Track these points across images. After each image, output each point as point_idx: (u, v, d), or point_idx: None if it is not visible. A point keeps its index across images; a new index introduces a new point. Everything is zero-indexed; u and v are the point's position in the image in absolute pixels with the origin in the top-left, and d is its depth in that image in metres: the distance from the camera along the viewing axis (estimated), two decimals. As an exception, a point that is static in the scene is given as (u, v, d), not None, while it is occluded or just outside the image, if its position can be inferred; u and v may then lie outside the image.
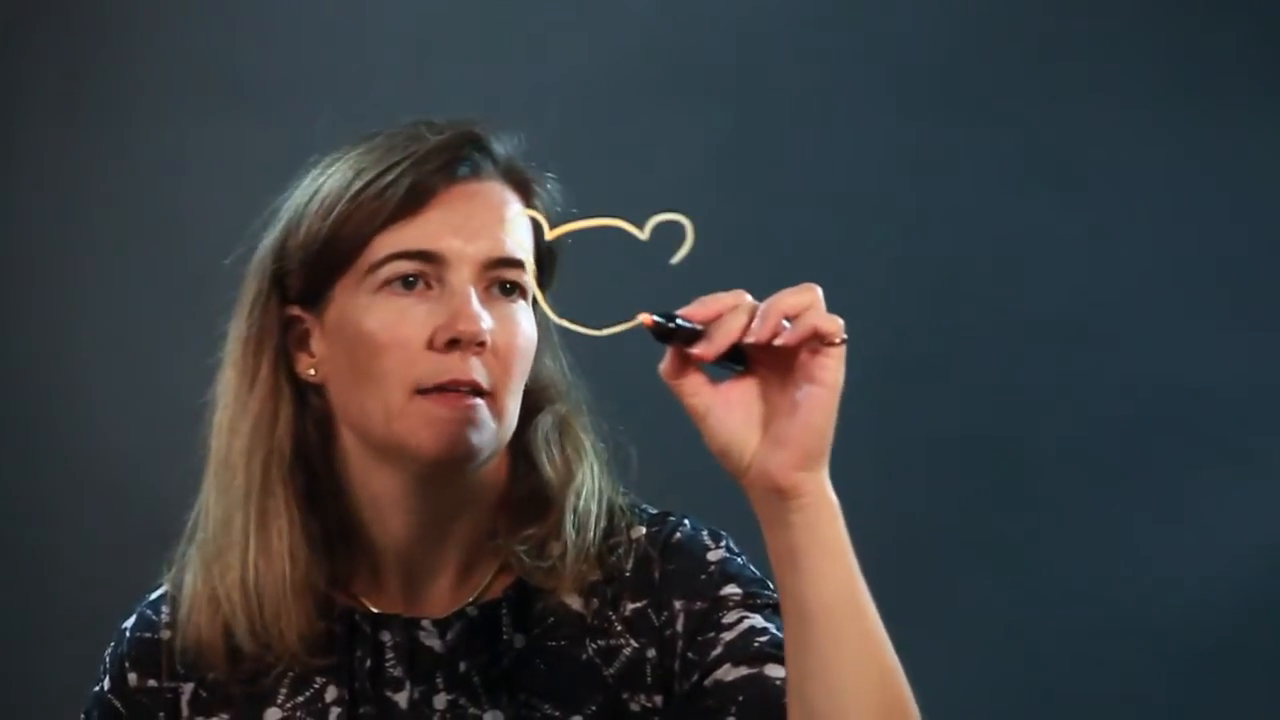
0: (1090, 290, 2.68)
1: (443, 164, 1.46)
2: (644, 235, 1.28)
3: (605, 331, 1.29)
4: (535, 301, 1.48)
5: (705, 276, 1.31)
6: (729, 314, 1.27)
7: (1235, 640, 2.63)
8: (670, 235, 1.27)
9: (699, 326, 1.27)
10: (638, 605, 1.48)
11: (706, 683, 1.43)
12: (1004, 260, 2.70)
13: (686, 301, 1.28)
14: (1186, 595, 2.64)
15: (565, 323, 1.29)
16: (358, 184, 1.45)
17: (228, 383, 1.50)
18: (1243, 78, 2.66)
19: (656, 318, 1.26)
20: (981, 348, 2.69)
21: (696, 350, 1.27)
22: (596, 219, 1.28)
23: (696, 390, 1.29)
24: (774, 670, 1.40)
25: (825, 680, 1.29)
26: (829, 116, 2.73)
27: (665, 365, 1.29)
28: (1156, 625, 2.64)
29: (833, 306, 1.28)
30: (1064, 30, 2.70)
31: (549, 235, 1.29)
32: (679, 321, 1.27)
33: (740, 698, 1.41)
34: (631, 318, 1.28)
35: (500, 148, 1.50)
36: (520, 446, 1.50)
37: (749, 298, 1.28)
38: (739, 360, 1.29)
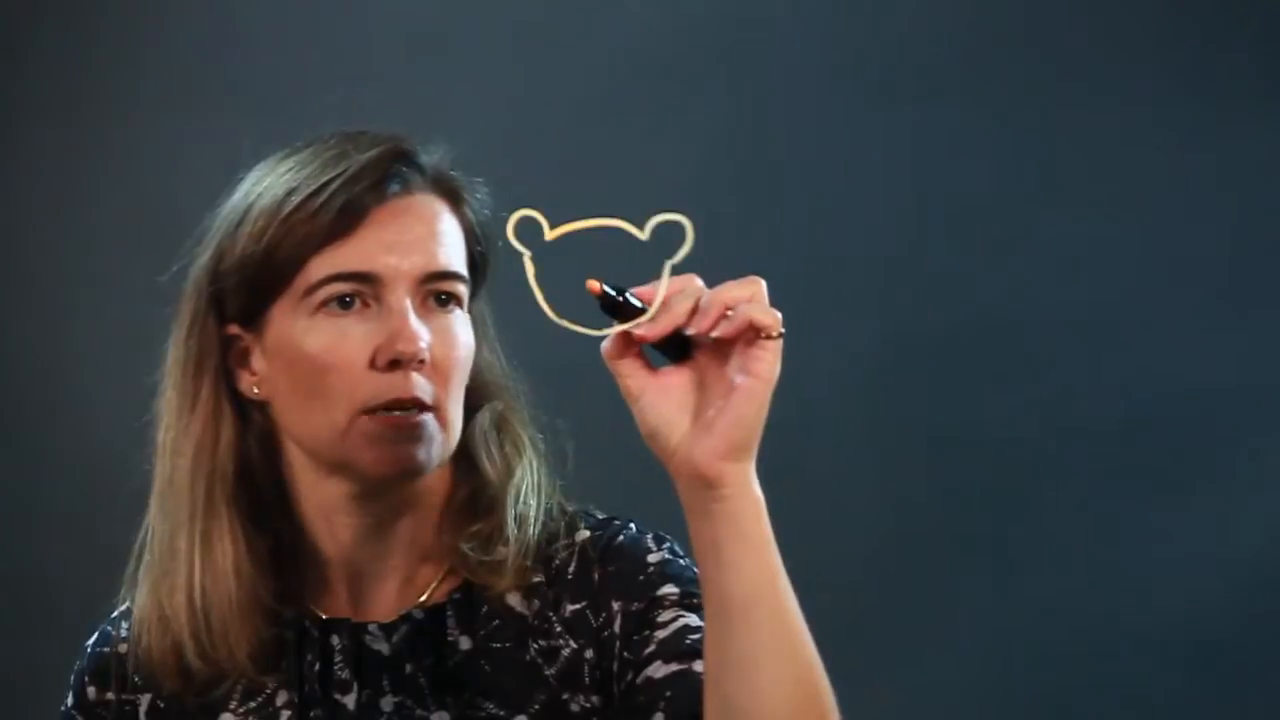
0: (1090, 290, 2.68)
1: (373, 182, 1.47)
2: (644, 235, 1.28)
3: (605, 331, 1.30)
4: (472, 309, 1.51)
5: (705, 276, 1.31)
6: (675, 298, 1.28)
7: (1236, 640, 2.63)
8: (670, 235, 1.27)
9: (645, 306, 1.28)
10: (577, 607, 1.50)
11: (638, 680, 1.44)
12: (1004, 259, 2.70)
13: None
14: (1187, 595, 2.64)
15: (566, 323, 1.29)
16: (289, 205, 1.46)
17: (169, 404, 1.52)
18: (1245, 78, 2.66)
19: (606, 287, 1.27)
20: (982, 347, 2.69)
21: (640, 330, 1.28)
22: (596, 219, 1.28)
23: (633, 372, 1.30)
24: (701, 666, 1.40)
25: (741, 672, 1.30)
26: (830, 117, 2.73)
27: (607, 344, 1.30)
28: (1157, 625, 2.64)
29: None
30: (1066, 29, 2.70)
31: (548, 235, 1.29)
32: (628, 296, 1.28)
33: (668, 693, 1.42)
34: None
35: (428, 158, 1.50)
36: (461, 446, 1.51)
37: (700, 283, 1.29)
38: (684, 352, 1.30)
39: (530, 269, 1.33)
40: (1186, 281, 2.67)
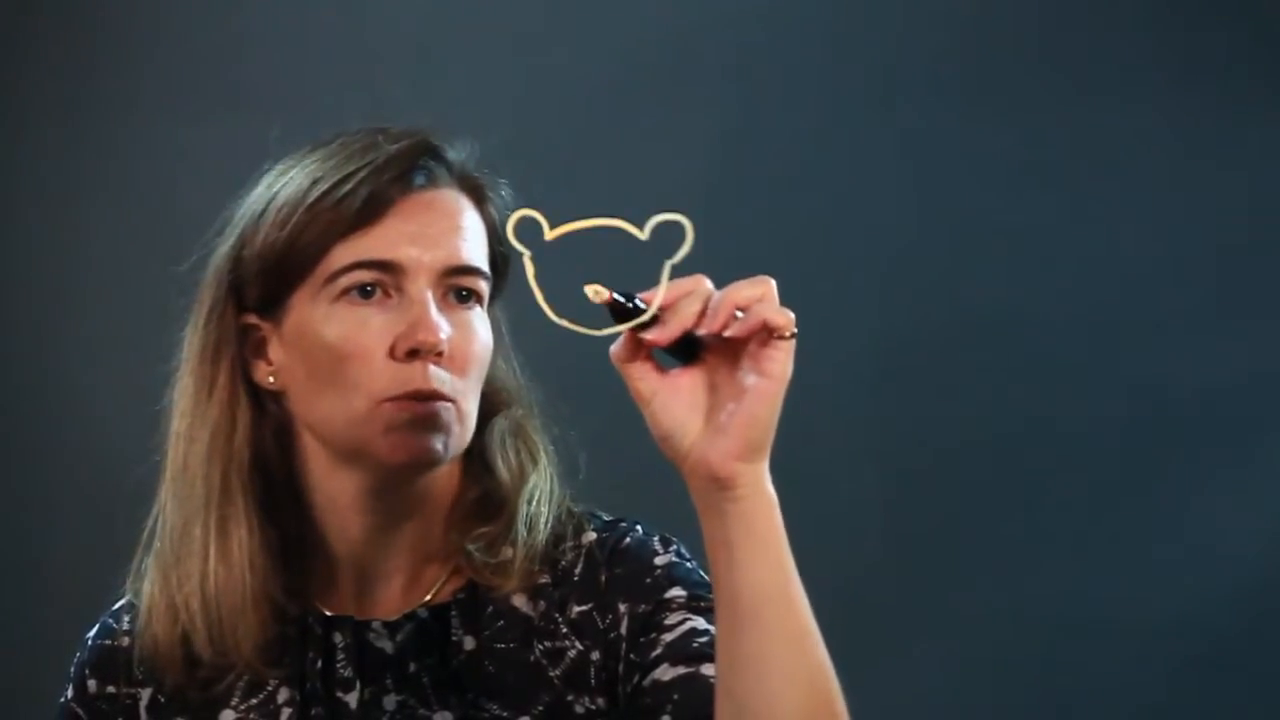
0: (1091, 290, 2.68)
1: (399, 174, 1.47)
2: (644, 235, 1.28)
3: (605, 331, 1.30)
4: (489, 314, 1.51)
5: (706, 276, 1.30)
6: (684, 300, 1.28)
7: (1236, 640, 2.63)
8: (670, 235, 1.27)
9: (654, 310, 1.28)
10: (583, 608, 1.50)
11: (645, 683, 1.44)
12: (1004, 260, 2.70)
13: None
14: (1187, 595, 2.64)
15: (565, 323, 1.29)
16: (314, 194, 1.46)
17: (185, 390, 1.52)
18: (1244, 76, 2.66)
19: (616, 295, 1.27)
20: (982, 347, 2.69)
21: (649, 335, 1.28)
22: (596, 219, 1.28)
23: (643, 375, 1.30)
24: (710, 669, 1.41)
25: (753, 673, 1.30)
26: (830, 116, 2.73)
27: (616, 348, 1.30)
28: (1157, 625, 2.64)
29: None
30: (1066, 27, 2.70)
31: (548, 235, 1.29)
32: (636, 302, 1.28)
33: (675, 696, 1.42)
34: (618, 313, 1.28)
35: (454, 155, 1.51)
36: (475, 450, 1.52)
37: (708, 284, 1.29)
38: (693, 353, 1.30)
39: (530, 269, 1.33)
40: (1187, 281, 2.67)
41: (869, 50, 2.73)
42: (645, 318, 1.28)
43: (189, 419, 1.51)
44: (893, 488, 2.70)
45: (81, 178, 2.89)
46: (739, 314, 1.27)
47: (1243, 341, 2.66)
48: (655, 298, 1.28)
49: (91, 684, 1.56)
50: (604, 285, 1.28)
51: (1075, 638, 2.66)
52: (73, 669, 1.58)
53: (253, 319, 1.50)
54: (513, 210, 1.50)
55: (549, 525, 1.52)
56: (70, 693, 1.57)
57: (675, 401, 1.30)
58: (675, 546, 1.52)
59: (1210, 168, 2.67)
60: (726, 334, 1.27)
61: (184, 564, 1.50)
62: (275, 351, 1.50)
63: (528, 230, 1.29)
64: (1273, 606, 2.63)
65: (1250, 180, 2.67)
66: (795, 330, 1.27)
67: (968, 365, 2.70)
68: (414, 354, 1.44)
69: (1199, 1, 2.68)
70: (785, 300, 1.29)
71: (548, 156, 2.65)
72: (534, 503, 1.52)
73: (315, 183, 1.47)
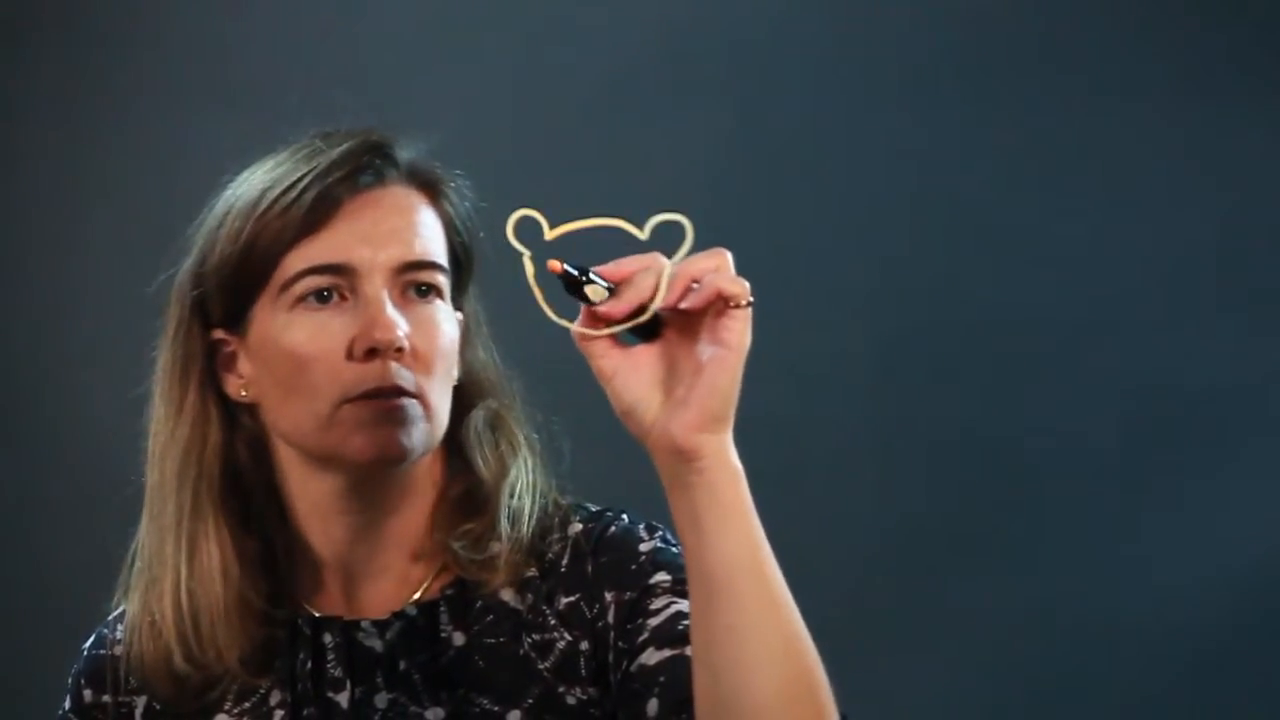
0: (1090, 290, 2.68)
1: (345, 175, 1.47)
2: (644, 235, 1.28)
3: (605, 331, 1.30)
4: (464, 307, 1.53)
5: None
6: (639, 274, 1.28)
7: (1235, 641, 2.63)
8: (670, 235, 1.28)
9: (609, 285, 1.28)
10: (571, 599, 1.50)
11: (632, 668, 1.44)
12: (1004, 260, 2.70)
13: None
14: (1186, 596, 2.64)
15: (565, 323, 1.30)
16: (264, 203, 1.47)
17: (156, 412, 1.53)
18: (1243, 76, 2.66)
19: (567, 266, 1.28)
20: (982, 347, 2.69)
21: (604, 307, 1.28)
22: (596, 219, 1.28)
23: (605, 353, 1.30)
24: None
25: (729, 645, 1.30)
26: (829, 116, 2.73)
27: (577, 325, 1.30)
28: (1156, 626, 2.64)
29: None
30: (1065, 28, 2.70)
31: (548, 235, 1.29)
32: (591, 275, 1.28)
33: (661, 679, 1.42)
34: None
35: (403, 152, 1.51)
36: (454, 444, 1.52)
37: (664, 260, 1.29)
38: (654, 331, 1.30)
39: (530, 269, 1.33)
40: (1185, 281, 2.67)
41: (869, 50, 2.73)
42: (645, 320, 1.28)
43: (161, 439, 1.52)
44: (891, 487, 2.70)
45: (80, 177, 2.89)
46: (695, 286, 1.27)
47: (1242, 341, 2.66)
48: (619, 275, 1.28)
49: (87, 693, 1.56)
50: (567, 262, 1.28)
51: (1074, 637, 2.66)
52: (70, 680, 1.58)
53: (220, 334, 1.51)
54: (472, 201, 1.52)
55: (534, 518, 1.52)
56: (67, 703, 1.58)
57: (636, 378, 1.30)
58: (661, 533, 1.52)
59: (1210, 167, 2.67)
60: (683, 306, 1.27)
61: (159, 583, 1.51)
62: (244, 364, 1.50)
63: (528, 230, 1.29)
64: (1273, 606, 2.63)
65: (1249, 180, 2.67)
66: (751, 299, 1.27)
67: (967, 365, 2.70)
68: (373, 353, 1.44)
69: (1200, 2, 2.68)
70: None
71: (548, 156, 2.65)
72: (516, 496, 1.52)
73: (264, 192, 1.47)
